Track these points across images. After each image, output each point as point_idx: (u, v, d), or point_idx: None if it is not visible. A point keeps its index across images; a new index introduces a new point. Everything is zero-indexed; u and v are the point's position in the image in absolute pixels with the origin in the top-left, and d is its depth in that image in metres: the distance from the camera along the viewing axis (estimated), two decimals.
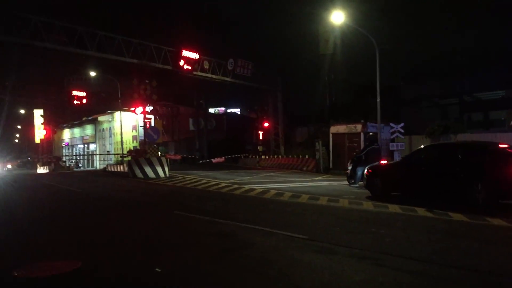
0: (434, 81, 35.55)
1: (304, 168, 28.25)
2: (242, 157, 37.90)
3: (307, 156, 29.05)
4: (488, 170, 10.48)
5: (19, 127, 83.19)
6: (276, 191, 15.09)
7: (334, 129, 26.80)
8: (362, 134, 24.36)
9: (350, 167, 17.52)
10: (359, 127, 24.95)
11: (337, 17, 21.34)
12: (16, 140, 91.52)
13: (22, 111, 65.51)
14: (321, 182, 19.41)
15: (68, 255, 6.94)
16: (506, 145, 11.39)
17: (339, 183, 18.44)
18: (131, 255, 6.92)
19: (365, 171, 14.31)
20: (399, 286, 5.08)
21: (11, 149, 79.78)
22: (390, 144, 22.12)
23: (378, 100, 21.33)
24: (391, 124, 22.40)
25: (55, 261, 6.58)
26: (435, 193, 11.70)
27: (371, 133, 19.72)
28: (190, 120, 46.37)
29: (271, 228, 8.49)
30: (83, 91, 41.74)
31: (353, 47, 30.62)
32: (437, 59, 35.58)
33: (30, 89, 42.06)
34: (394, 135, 22.32)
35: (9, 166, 54.91)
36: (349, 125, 25.73)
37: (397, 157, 20.32)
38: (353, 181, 17.04)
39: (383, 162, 14.78)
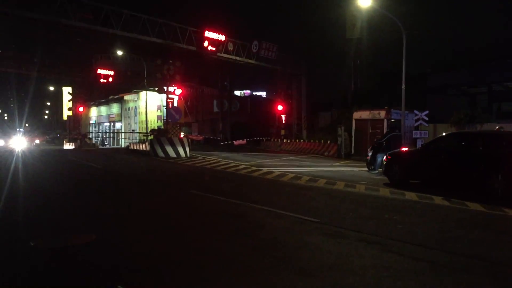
0: (463, 69, 34.63)
1: (326, 153, 28.11)
2: (264, 140, 37.92)
3: (329, 141, 28.87)
4: (508, 160, 10.23)
5: (48, 103, 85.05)
6: (294, 174, 15.08)
7: (357, 115, 26.51)
8: (385, 121, 24.02)
9: (370, 153, 17.34)
10: (382, 113, 24.61)
11: (364, 1, 20.91)
12: (45, 116, 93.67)
13: (51, 88, 66.88)
14: (341, 168, 19.32)
15: (83, 229, 7.13)
16: None
17: (358, 169, 18.31)
18: (144, 233, 7.05)
19: (385, 157, 14.15)
20: (402, 272, 5.05)
21: (39, 125, 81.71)
22: (414, 131, 21.78)
23: (403, 87, 20.93)
24: (415, 112, 22.02)
25: (71, 233, 6.78)
26: (453, 182, 11.53)
27: (393, 120, 19.45)
28: (214, 102, 46.51)
29: (284, 210, 8.52)
30: (110, 69, 42.26)
31: (380, 32, 30.10)
32: (468, 46, 34.70)
33: (59, 66, 42.87)
34: (418, 123, 21.95)
35: (37, 141, 56.27)
36: (372, 111, 25.40)
37: (419, 145, 20.02)
38: (372, 168, 16.88)
39: (403, 149, 14.56)
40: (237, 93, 57.34)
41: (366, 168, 17.59)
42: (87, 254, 5.78)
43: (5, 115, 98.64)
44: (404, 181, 12.78)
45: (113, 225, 7.52)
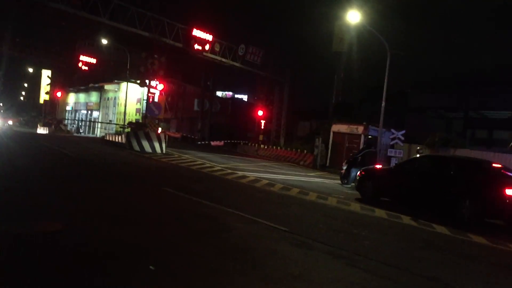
0: (442, 92, 35.40)
1: (301, 163, 28.31)
2: (242, 143, 37.95)
3: (305, 151, 29.10)
4: (477, 187, 10.49)
5: (25, 85, 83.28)
6: (268, 181, 15.13)
7: (335, 127, 26.80)
8: (362, 136, 24.37)
9: (345, 167, 17.56)
10: (360, 128, 24.94)
11: (353, 17, 21.21)
12: (22, 98, 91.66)
13: (31, 70, 65.55)
14: (315, 178, 19.47)
15: (51, 217, 7.01)
16: (499, 165, 11.38)
17: (332, 182, 18.50)
18: (111, 225, 6.98)
19: (358, 173, 14.33)
20: None
21: (14, 105, 79.79)
22: (389, 150, 22.10)
23: (383, 104, 21.27)
24: (392, 130, 22.37)
25: (37, 221, 6.65)
26: (423, 203, 11.75)
27: (370, 136, 19.77)
28: (195, 100, 46.34)
29: (255, 216, 8.54)
30: (93, 57, 41.69)
31: (366, 48, 30.56)
32: (450, 71, 35.52)
33: (41, 48, 42.08)
34: (394, 141, 22.30)
35: (10, 122, 55.01)
36: (350, 126, 25.71)
37: (393, 164, 20.32)
38: (346, 181, 17.09)
39: (377, 166, 14.77)
40: (218, 93, 57.19)
41: (339, 181, 17.80)
42: (51, 242, 5.69)
43: None
44: (375, 197, 12.95)
45: (81, 215, 7.41)
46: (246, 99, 63.62)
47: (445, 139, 22.72)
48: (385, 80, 21.35)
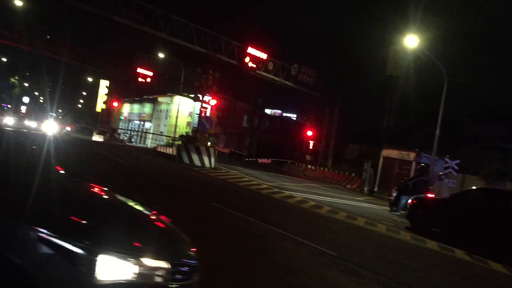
0: (500, 122, 34.05)
1: (348, 186, 27.90)
2: (289, 162, 37.87)
3: (353, 174, 28.67)
4: None
5: (84, 93, 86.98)
6: (315, 202, 15.01)
7: (386, 152, 26.29)
8: (413, 163, 23.75)
9: (394, 194, 17.11)
10: (412, 155, 24.33)
11: (411, 41, 20.89)
12: (79, 106, 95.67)
13: (90, 79, 68.47)
14: (362, 203, 19.13)
15: None
16: None
17: (380, 208, 18.11)
18: None
19: (410, 201, 13.94)
20: None
21: (70, 112, 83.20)
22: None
23: (437, 132, 20.70)
24: (446, 159, 21.67)
25: None
26: (477, 237, 11.25)
27: (423, 164, 19.19)
28: (245, 117, 46.76)
29: (303, 238, 8.46)
30: (149, 70, 43.06)
31: (422, 73, 29.93)
32: (508, 100, 34.17)
33: (101, 59, 43.95)
34: (447, 171, 21.55)
35: (68, 128, 57.36)
36: (402, 152, 25.14)
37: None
38: (395, 209, 16.63)
39: (430, 195, 14.33)
40: (267, 111, 57.54)
41: (388, 208, 17.39)
42: None
43: (41, 97, 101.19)
44: (426, 227, 12.54)
45: None
46: (295, 118, 63.69)
47: (502, 171, 21.78)
48: (441, 107, 20.80)
